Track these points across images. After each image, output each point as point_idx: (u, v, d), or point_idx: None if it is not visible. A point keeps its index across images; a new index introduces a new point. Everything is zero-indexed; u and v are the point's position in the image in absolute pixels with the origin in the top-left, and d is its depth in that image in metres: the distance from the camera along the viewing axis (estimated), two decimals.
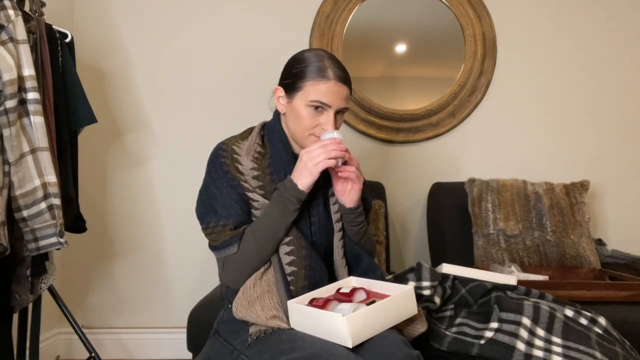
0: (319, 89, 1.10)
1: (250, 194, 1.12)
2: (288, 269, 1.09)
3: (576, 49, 2.25)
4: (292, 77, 1.14)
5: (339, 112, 1.15)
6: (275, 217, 1.08)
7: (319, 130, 1.12)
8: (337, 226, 1.18)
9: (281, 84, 1.19)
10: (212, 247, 1.13)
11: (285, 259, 1.10)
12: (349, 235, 1.20)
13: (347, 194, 1.15)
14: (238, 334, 1.08)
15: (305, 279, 1.09)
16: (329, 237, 1.19)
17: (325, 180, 1.19)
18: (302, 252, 1.10)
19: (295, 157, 1.18)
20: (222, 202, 1.11)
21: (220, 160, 1.13)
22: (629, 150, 2.25)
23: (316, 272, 1.12)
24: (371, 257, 1.22)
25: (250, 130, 1.24)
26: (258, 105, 2.14)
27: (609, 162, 2.24)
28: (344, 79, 1.13)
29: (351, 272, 1.20)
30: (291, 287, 1.08)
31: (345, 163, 1.12)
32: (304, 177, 1.07)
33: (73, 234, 1.68)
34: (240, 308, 1.07)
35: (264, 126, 1.24)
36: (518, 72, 2.23)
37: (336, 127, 1.14)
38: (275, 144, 1.18)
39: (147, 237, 2.14)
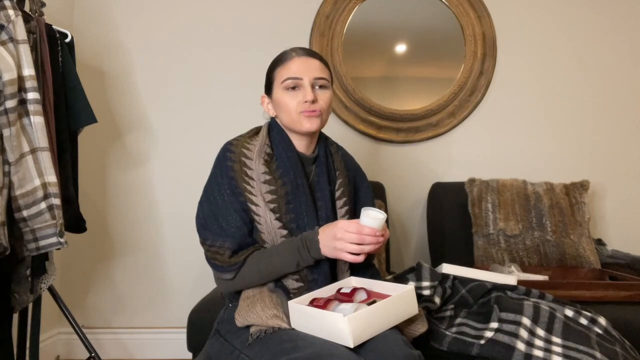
0: (288, 69, 1.15)
1: (253, 207, 1.10)
2: (294, 285, 1.10)
3: (576, 49, 2.25)
4: (267, 76, 1.22)
5: (319, 87, 1.15)
6: (287, 262, 1.08)
7: (304, 105, 1.12)
8: None
9: (264, 90, 1.24)
10: (208, 262, 1.13)
11: (290, 276, 1.11)
12: None
13: None
14: (238, 334, 1.08)
15: (307, 291, 1.10)
16: None
17: (331, 180, 1.20)
18: (304, 269, 1.11)
19: (299, 156, 1.18)
20: (223, 210, 1.10)
21: (227, 164, 1.12)
22: (629, 150, 2.25)
23: (319, 284, 1.11)
24: (376, 268, 1.23)
25: (257, 130, 1.23)
26: (258, 105, 2.14)
27: (609, 162, 2.24)
28: (310, 53, 1.17)
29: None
30: (291, 296, 1.09)
31: None
32: (327, 250, 1.05)
33: (73, 234, 1.68)
34: (242, 313, 1.07)
35: (270, 126, 1.23)
36: (518, 72, 2.23)
37: (320, 99, 1.14)
38: (279, 144, 1.17)
39: (147, 237, 2.14)
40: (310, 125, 1.13)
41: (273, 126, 1.21)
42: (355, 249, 1.01)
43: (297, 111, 1.13)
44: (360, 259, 1.03)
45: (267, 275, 1.10)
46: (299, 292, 1.09)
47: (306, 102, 1.12)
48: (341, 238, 1.02)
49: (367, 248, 1.02)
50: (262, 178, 1.11)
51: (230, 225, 1.09)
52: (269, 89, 1.21)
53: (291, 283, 1.10)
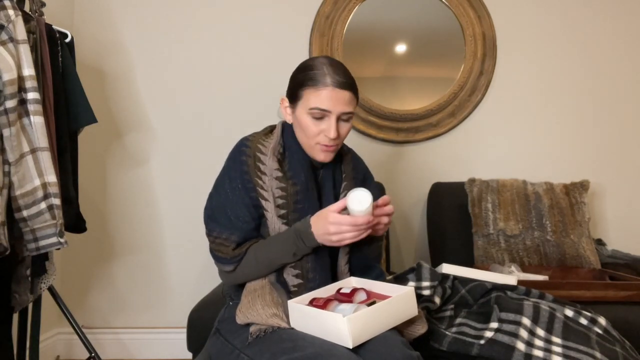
0: (318, 96, 1.09)
1: (263, 202, 1.11)
2: (294, 281, 1.10)
3: (576, 49, 2.25)
4: (294, 87, 1.14)
5: (343, 119, 1.12)
6: (284, 252, 1.08)
7: (323, 138, 1.11)
8: None
9: (287, 94, 1.18)
10: (212, 254, 1.14)
11: (291, 272, 1.11)
12: (361, 247, 1.19)
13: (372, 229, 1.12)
14: (238, 333, 1.08)
15: (307, 290, 1.10)
16: None
17: (336, 184, 1.20)
18: (306, 265, 1.11)
19: (311, 162, 1.17)
20: (233, 203, 1.11)
21: (242, 159, 1.12)
22: (629, 150, 2.25)
23: (319, 282, 1.11)
24: (380, 269, 1.22)
25: (271, 129, 1.22)
26: (258, 105, 2.14)
27: (609, 162, 2.24)
28: (344, 84, 1.10)
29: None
30: (292, 297, 1.09)
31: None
32: (322, 239, 1.05)
33: (73, 234, 1.68)
34: (243, 309, 1.08)
35: (284, 128, 1.22)
36: (518, 72, 2.23)
37: (341, 133, 1.12)
38: (292, 148, 1.17)
39: (147, 237, 2.14)
40: (324, 157, 1.14)
41: (287, 129, 1.20)
42: (353, 238, 1.02)
43: (315, 140, 1.12)
44: (362, 236, 1.04)
45: (265, 267, 1.11)
46: (299, 290, 1.10)
47: (326, 136, 1.10)
48: (336, 232, 1.01)
49: (365, 234, 1.03)
50: (274, 174, 1.11)
51: (239, 219, 1.10)
52: (292, 98, 1.14)
53: (291, 279, 1.11)
